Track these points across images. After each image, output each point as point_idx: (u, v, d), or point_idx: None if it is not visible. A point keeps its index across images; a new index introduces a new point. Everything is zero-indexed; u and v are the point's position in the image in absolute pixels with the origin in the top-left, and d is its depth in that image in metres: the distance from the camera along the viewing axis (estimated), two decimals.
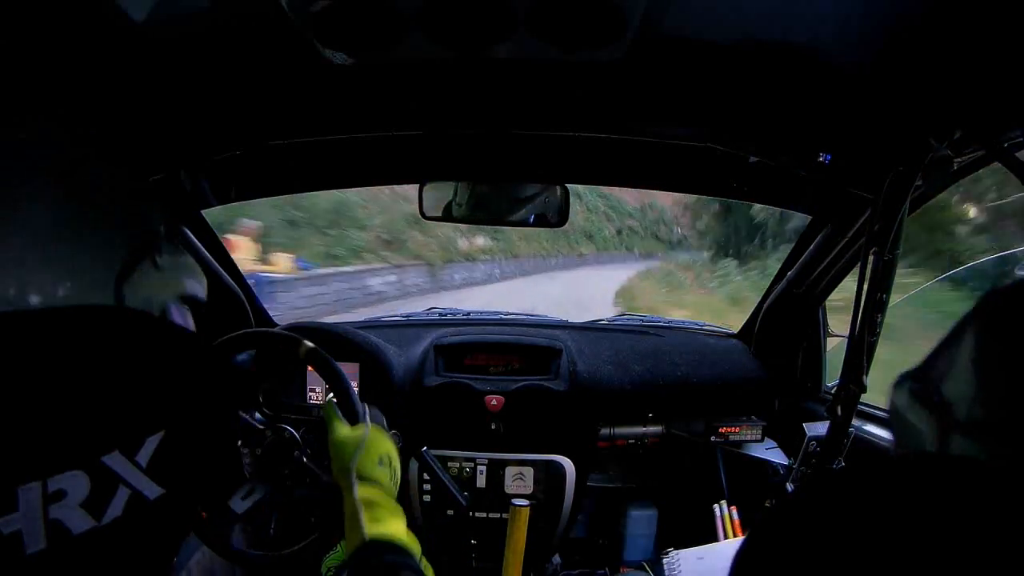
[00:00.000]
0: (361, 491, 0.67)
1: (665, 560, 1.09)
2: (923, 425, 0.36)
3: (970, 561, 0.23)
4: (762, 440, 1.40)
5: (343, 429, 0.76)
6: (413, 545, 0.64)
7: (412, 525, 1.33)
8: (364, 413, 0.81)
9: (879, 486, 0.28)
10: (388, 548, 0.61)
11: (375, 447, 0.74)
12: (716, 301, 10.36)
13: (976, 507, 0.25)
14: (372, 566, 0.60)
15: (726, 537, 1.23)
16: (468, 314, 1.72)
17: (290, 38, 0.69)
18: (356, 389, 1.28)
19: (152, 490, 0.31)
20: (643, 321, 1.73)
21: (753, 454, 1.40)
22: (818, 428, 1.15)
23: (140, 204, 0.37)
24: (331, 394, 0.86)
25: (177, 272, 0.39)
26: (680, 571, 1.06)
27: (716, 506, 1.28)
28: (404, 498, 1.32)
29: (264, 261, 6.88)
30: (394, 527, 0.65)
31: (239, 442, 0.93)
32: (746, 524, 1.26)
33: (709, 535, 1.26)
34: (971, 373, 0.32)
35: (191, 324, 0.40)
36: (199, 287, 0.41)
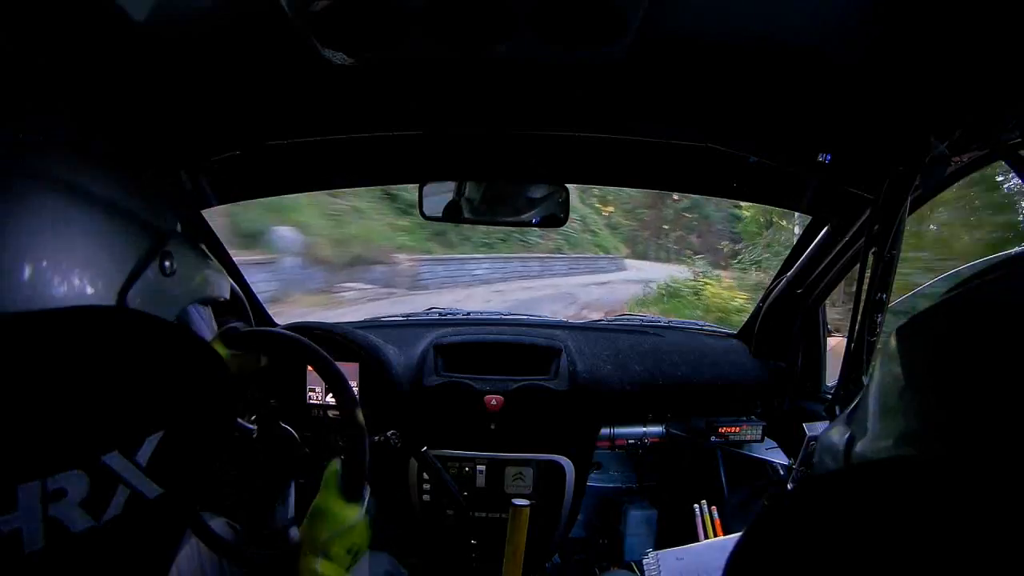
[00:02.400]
0: (323, 567, 0.69)
1: (645, 561, 1.10)
2: (837, 440, 0.37)
3: (968, 559, 0.23)
4: (762, 440, 1.40)
5: (335, 502, 0.73)
6: None
7: (412, 525, 1.33)
8: (366, 497, 0.77)
9: (877, 486, 0.28)
10: None
11: (354, 537, 0.73)
12: None
13: (975, 506, 0.25)
14: None
15: (706, 536, 1.24)
16: (468, 314, 1.72)
17: (290, 38, 0.69)
18: (356, 389, 1.28)
19: (151, 490, 0.31)
20: (643, 321, 1.73)
21: (753, 454, 1.40)
22: (818, 428, 1.15)
23: (147, 207, 0.37)
24: (340, 456, 0.78)
25: (193, 273, 0.39)
26: (659, 571, 1.07)
27: (696, 506, 1.28)
28: (404, 498, 1.32)
29: None
30: None
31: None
32: (727, 524, 1.26)
33: (690, 534, 1.26)
34: (894, 390, 0.33)
35: (208, 326, 0.40)
36: (221, 288, 0.41)
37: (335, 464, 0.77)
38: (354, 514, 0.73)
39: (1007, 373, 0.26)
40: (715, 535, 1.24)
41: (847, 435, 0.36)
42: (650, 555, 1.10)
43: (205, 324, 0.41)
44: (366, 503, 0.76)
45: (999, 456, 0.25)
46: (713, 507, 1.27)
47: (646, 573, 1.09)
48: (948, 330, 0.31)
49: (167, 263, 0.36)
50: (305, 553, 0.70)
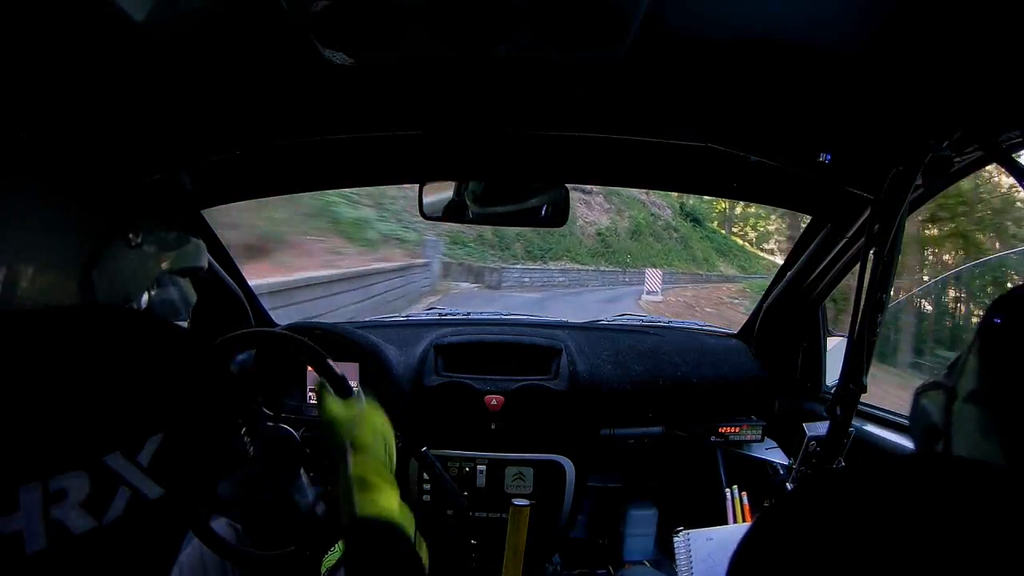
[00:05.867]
0: (355, 467, 0.67)
1: (676, 539, 1.10)
2: (935, 406, 0.38)
3: (968, 560, 0.23)
4: (762, 440, 1.40)
5: (336, 405, 0.75)
6: (406, 522, 0.64)
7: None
8: (358, 392, 0.80)
9: (879, 486, 0.28)
10: (380, 527, 0.61)
11: (370, 422, 0.73)
12: None
13: (974, 506, 0.25)
14: (364, 547, 0.59)
15: (735, 521, 1.24)
16: (468, 314, 1.72)
17: (290, 38, 0.69)
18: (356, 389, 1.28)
19: (152, 490, 0.31)
20: (643, 321, 1.73)
21: (753, 454, 1.40)
22: (818, 428, 1.15)
23: (121, 205, 0.38)
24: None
25: (163, 245, 0.41)
26: (691, 550, 1.07)
27: (727, 490, 1.28)
28: (404, 498, 1.32)
29: None
30: (386, 503, 0.64)
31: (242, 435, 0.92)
32: (756, 509, 1.26)
33: (719, 518, 1.26)
34: (979, 366, 0.33)
35: (188, 293, 0.42)
36: (196, 258, 0.43)
37: (320, 385, 0.79)
38: (355, 407, 0.74)
39: None
40: (744, 520, 1.24)
41: (945, 403, 0.36)
42: (680, 534, 1.11)
43: (179, 294, 0.43)
44: (361, 395, 0.78)
45: None
46: (744, 492, 1.27)
47: (676, 551, 1.10)
48: None
49: (132, 235, 0.38)
50: (339, 464, 0.68)
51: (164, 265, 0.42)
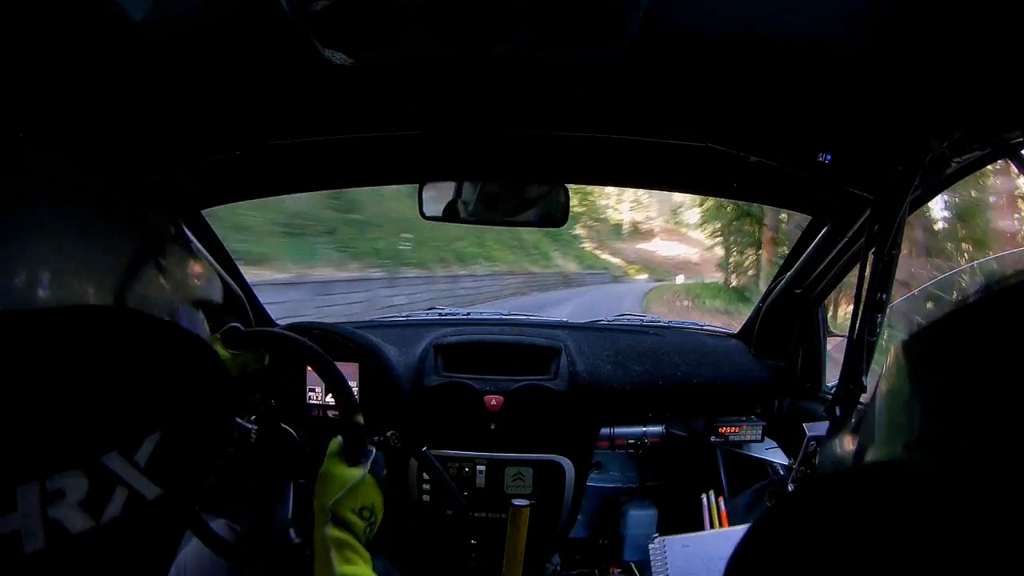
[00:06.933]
0: (333, 531, 0.68)
1: (651, 546, 1.09)
2: (843, 452, 0.36)
3: (971, 560, 0.23)
4: (762, 440, 1.40)
5: (338, 466, 0.74)
6: None
7: (412, 525, 1.33)
8: (369, 458, 0.77)
9: (878, 487, 0.28)
10: None
11: (362, 495, 0.73)
12: None
13: (973, 510, 0.25)
14: None
15: (712, 527, 1.24)
16: (468, 314, 1.72)
17: (290, 38, 0.69)
18: (356, 390, 1.28)
19: (150, 490, 0.31)
20: (643, 321, 1.73)
21: (753, 454, 1.40)
22: (818, 428, 1.15)
23: (141, 207, 0.38)
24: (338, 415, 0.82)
25: (185, 275, 0.39)
26: (666, 557, 1.07)
27: (704, 496, 1.28)
28: (403, 498, 1.32)
29: None
30: (363, 570, 0.66)
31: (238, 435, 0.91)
32: (733, 515, 1.26)
33: (695, 524, 1.26)
34: (905, 402, 0.32)
35: (202, 328, 0.40)
36: (212, 290, 0.42)
37: (337, 439, 0.79)
38: (355, 474, 0.73)
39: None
40: (721, 526, 1.24)
41: (857, 444, 0.35)
42: (656, 540, 1.11)
43: (198, 324, 0.42)
44: (369, 463, 0.76)
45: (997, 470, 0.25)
46: (720, 497, 1.27)
47: (651, 557, 1.09)
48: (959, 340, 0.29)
49: (162, 260, 0.36)
50: (317, 524, 0.69)
51: (185, 294, 0.41)
